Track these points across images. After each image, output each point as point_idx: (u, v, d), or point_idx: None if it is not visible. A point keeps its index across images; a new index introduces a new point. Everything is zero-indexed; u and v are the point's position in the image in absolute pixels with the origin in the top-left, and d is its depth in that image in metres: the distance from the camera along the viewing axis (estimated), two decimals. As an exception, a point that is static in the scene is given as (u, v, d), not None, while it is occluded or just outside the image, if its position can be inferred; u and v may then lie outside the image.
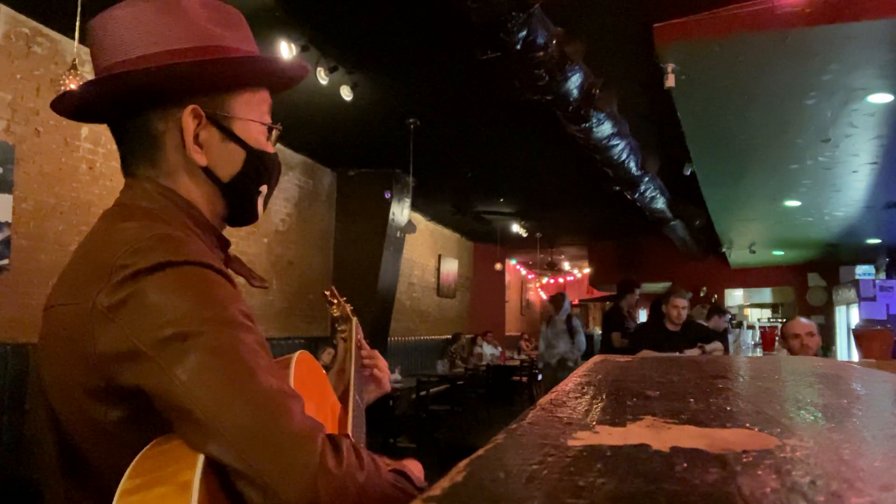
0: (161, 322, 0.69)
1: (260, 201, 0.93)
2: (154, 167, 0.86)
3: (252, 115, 0.89)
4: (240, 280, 0.91)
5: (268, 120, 0.92)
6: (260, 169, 0.90)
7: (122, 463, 0.66)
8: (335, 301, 1.37)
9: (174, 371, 0.67)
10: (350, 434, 1.00)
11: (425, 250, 10.73)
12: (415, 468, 0.90)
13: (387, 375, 1.26)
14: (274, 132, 0.93)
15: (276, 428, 0.66)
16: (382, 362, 1.26)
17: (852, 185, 6.77)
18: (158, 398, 0.69)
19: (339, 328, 1.31)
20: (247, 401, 0.67)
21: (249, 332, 0.73)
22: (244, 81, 0.89)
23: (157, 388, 0.68)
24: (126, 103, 0.84)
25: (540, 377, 8.51)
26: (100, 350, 0.71)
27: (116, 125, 0.88)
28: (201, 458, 0.66)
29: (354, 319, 1.30)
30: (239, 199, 0.90)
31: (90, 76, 0.89)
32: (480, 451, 0.44)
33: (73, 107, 0.88)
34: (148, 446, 0.69)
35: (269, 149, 0.92)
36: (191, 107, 0.83)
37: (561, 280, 18.86)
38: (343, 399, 1.10)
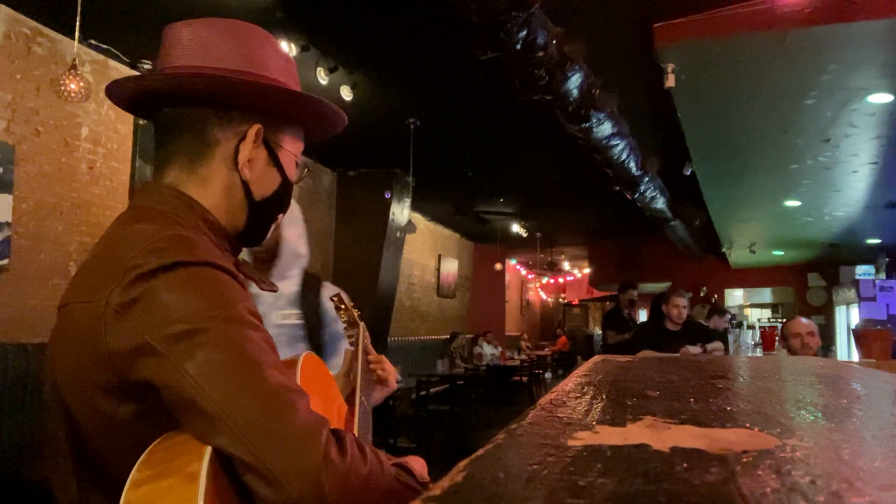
0: (172, 319, 0.71)
1: (273, 227, 0.99)
2: (189, 171, 0.89)
3: (294, 149, 0.97)
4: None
5: (300, 159, 1.00)
6: (286, 198, 0.97)
7: (133, 457, 0.68)
8: (342, 306, 1.38)
9: (184, 366, 0.70)
10: (356, 434, 1.01)
11: (425, 250, 10.72)
12: (417, 465, 0.92)
13: (393, 375, 1.29)
14: (301, 170, 1.01)
15: (281, 422, 0.69)
16: (389, 365, 1.31)
17: (852, 185, 6.77)
18: (168, 392, 0.71)
19: (347, 333, 1.33)
20: (254, 395, 0.69)
21: (257, 330, 0.76)
22: (300, 118, 0.97)
23: (168, 383, 0.71)
24: (195, 104, 0.88)
25: None
26: (112, 346, 0.73)
27: (168, 124, 0.90)
28: (208, 450, 0.67)
29: (361, 324, 1.32)
30: (261, 219, 0.96)
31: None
32: (480, 451, 0.44)
33: (141, 93, 0.91)
34: (157, 440, 0.71)
35: (295, 183, 1.00)
36: (258, 126, 0.90)
37: (561, 280, 18.87)
38: (350, 400, 1.12)
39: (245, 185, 0.91)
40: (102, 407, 0.75)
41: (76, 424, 0.78)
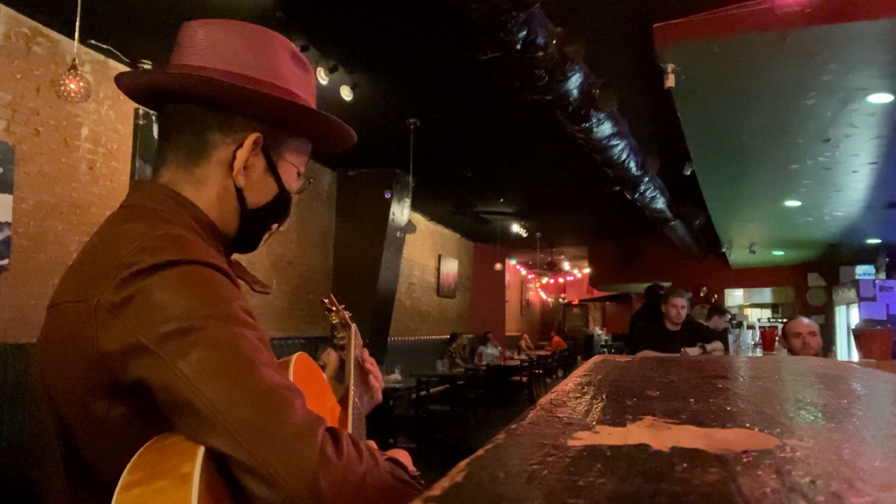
0: (165, 318, 0.70)
1: (266, 236, 0.98)
2: (186, 171, 0.89)
3: (296, 161, 0.96)
4: (242, 284, 0.92)
5: (303, 170, 0.99)
6: (281, 209, 0.96)
7: (125, 460, 0.67)
8: (333, 308, 1.37)
9: (177, 365, 0.69)
10: None
11: (425, 250, 10.72)
12: (402, 457, 0.92)
13: (380, 386, 1.28)
14: (302, 182, 0.99)
15: (277, 421, 0.68)
16: (377, 372, 1.28)
17: (852, 185, 6.77)
18: (161, 392, 0.70)
19: (338, 335, 1.32)
20: (249, 394, 0.69)
21: (251, 329, 0.75)
22: (305, 131, 0.96)
23: (161, 382, 0.70)
24: (199, 105, 0.87)
25: None
26: (104, 346, 0.72)
27: (171, 120, 0.90)
28: (201, 450, 0.66)
29: (353, 326, 1.31)
30: (253, 228, 0.95)
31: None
32: (480, 451, 0.44)
33: (144, 88, 0.91)
34: (148, 442, 0.70)
35: (294, 194, 0.98)
36: (257, 134, 0.89)
37: (561, 280, 18.88)
38: (343, 402, 1.12)
39: (239, 192, 0.90)
40: (93, 409, 0.74)
41: (66, 426, 0.77)
